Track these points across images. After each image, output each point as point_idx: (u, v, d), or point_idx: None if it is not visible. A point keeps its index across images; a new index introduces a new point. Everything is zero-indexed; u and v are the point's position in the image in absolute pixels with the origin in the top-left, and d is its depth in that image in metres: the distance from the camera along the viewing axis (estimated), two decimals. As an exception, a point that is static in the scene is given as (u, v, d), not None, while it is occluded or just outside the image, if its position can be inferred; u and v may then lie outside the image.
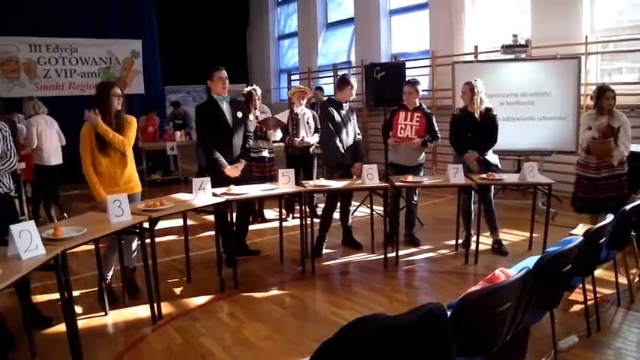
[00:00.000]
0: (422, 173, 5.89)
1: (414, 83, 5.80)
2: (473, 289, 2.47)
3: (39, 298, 4.49)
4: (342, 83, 5.72)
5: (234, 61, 12.95)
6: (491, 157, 5.68)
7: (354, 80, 5.71)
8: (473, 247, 5.33)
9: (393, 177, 5.49)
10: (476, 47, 8.74)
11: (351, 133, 5.68)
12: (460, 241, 5.64)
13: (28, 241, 2.96)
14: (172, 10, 12.87)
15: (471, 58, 8.79)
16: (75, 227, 3.52)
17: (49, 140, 7.31)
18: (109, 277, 4.55)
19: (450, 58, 8.86)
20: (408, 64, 8.21)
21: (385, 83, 7.10)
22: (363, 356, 1.61)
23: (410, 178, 5.29)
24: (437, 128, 5.77)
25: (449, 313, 1.94)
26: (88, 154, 4.32)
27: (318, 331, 3.82)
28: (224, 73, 5.21)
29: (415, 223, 6.12)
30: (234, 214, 4.82)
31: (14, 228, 2.93)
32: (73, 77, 11.73)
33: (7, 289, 2.73)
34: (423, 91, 6.09)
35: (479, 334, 2.08)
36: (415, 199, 6.03)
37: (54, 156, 7.38)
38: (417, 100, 5.76)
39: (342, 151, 5.53)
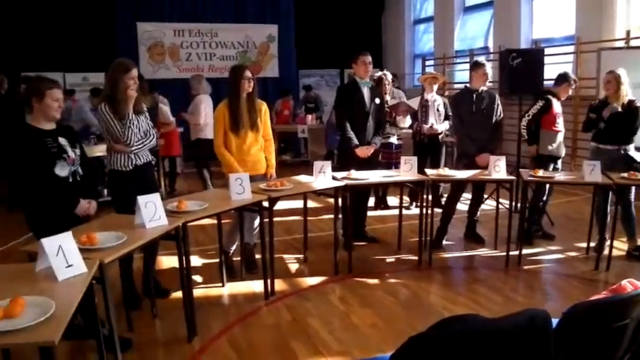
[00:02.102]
0: (560, 166, 5.60)
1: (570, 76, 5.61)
2: (594, 297, 2.26)
3: (162, 268, 4.83)
4: (472, 69, 5.52)
5: (369, 46, 12.87)
6: (635, 153, 5.18)
7: (488, 66, 5.47)
8: (606, 251, 4.90)
9: (524, 171, 5.20)
10: (628, 32, 7.96)
11: (487, 122, 5.44)
12: (592, 245, 5.20)
13: (153, 211, 3.18)
14: (309, -5, 13.12)
15: (621, 44, 8.03)
16: (198, 202, 3.73)
17: (210, 116, 7.68)
18: (231, 251, 4.78)
19: (596, 44, 8.16)
20: (547, 51, 7.68)
21: (521, 70, 6.69)
22: (451, 357, 1.53)
23: (540, 172, 4.99)
24: None
25: (556, 321, 1.78)
26: (220, 134, 4.55)
27: (427, 325, 3.63)
28: (368, 58, 5.36)
29: (543, 216, 5.78)
30: (354, 199, 4.86)
31: (141, 199, 3.16)
32: (212, 60, 12.38)
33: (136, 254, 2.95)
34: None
35: (588, 350, 1.88)
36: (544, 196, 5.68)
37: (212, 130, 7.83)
38: None
39: (469, 141, 5.35)
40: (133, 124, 3.89)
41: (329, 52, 13.14)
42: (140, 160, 4.01)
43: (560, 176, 5.16)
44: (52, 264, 2.36)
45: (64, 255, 2.39)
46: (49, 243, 2.39)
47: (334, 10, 13.31)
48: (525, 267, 4.95)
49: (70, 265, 2.40)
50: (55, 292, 2.24)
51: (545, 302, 4.24)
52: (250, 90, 4.54)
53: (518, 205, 5.53)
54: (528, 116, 5.57)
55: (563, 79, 5.57)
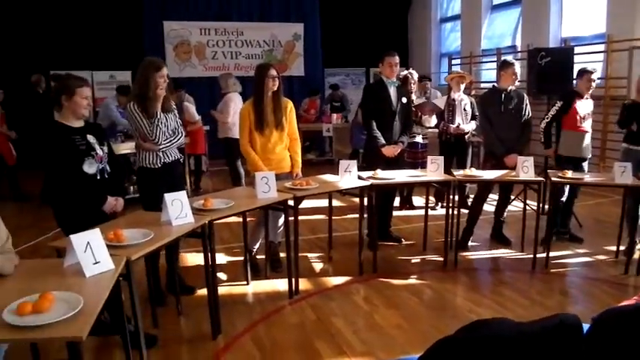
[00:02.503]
0: (586, 168, 5.47)
1: (593, 71, 5.44)
2: (625, 303, 2.20)
3: (186, 265, 4.86)
4: (501, 68, 5.44)
5: (395, 44, 12.82)
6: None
7: (517, 65, 5.39)
8: (636, 255, 4.80)
9: (552, 171, 5.11)
10: (662, 31, 7.80)
11: (515, 122, 5.36)
12: (622, 248, 5.09)
13: (179, 209, 3.20)
14: (335, -7, 13.10)
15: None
16: (224, 200, 3.75)
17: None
18: (254, 249, 4.79)
19: (628, 42, 7.99)
20: (577, 50, 7.54)
21: (550, 70, 6.59)
22: (479, 361, 1.50)
23: (569, 173, 4.90)
24: None
25: (585, 327, 1.73)
26: (245, 132, 4.56)
27: (451, 327, 3.65)
28: (394, 60, 5.32)
29: (570, 217, 5.68)
30: (380, 199, 4.84)
31: (168, 197, 3.18)
32: (238, 59, 12.44)
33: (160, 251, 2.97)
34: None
35: (619, 358, 1.82)
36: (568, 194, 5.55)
37: None
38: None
39: (497, 141, 5.28)
40: (162, 122, 3.93)
41: (355, 51, 13.11)
42: (168, 157, 4.04)
43: (589, 178, 5.07)
44: (80, 260, 2.38)
45: (92, 251, 2.42)
46: (78, 239, 2.42)
47: (360, 9, 13.27)
48: (552, 270, 4.87)
49: (97, 262, 2.42)
50: (82, 288, 2.26)
51: (572, 306, 4.16)
52: (275, 89, 4.53)
53: (546, 206, 5.44)
54: (547, 118, 5.49)
55: (579, 73, 5.47)
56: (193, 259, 5.04)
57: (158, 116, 3.90)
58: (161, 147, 3.94)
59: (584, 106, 5.39)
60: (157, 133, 3.89)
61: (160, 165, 4.00)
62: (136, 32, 11.60)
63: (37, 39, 10.97)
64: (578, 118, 5.35)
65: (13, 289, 2.24)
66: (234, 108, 7.66)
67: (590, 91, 5.41)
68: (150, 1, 11.70)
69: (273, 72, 4.52)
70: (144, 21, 11.72)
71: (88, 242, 2.43)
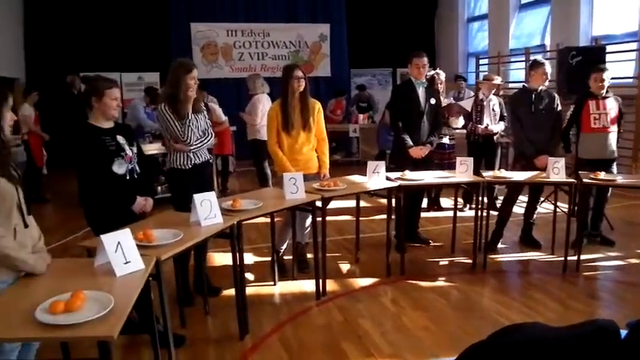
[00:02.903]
0: (615, 169, 5.33)
1: (605, 69, 5.31)
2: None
3: (213, 266, 4.87)
4: (532, 68, 5.36)
5: (422, 45, 12.71)
6: None
7: (547, 64, 5.29)
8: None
9: (583, 173, 5.01)
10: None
11: (546, 123, 5.26)
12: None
13: (209, 209, 3.21)
14: (361, -6, 13.07)
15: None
16: (252, 200, 3.76)
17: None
18: (282, 250, 4.79)
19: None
20: (609, 48, 7.39)
21: (581, 69, 6.46)
22: (514, 367, 1.47)
23: (602, 175, 4.80)
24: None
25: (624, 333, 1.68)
26: (273, 133, 4.57)
27: (480, 330, 3.65)
28: (422, 61, 5.23)
29: (602, 220, 5.56)
30: (407, 200, 4.80)
31: (197, 197, 3.20)
32: (264, 60, 12.45)
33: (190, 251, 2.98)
34: (626, 78, 5.45)
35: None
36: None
37: None
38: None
39: (527, 142, 5.20)
40: (192, 123, 3.96)
41: (381, 51, 13.04)
42: (199, 158, 4.07)
43: (621, 179, 4.95)
44: (111, 260, 2.40)
45: (122, 251, 2.44)
46: (109, 239, 2.44)
47: (386, 9, 13.21)
48: (584, 273, 4.77)
49: (128, 262, 2.44)
50: (113, 287, 2.28)
51: (604, 310, 4.08)
52: (301, 89, 4.53)
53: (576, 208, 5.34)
54: (565, 122, 5.39)
55: (589, 73, 5.34)
56: (219, 259, 5.06)
57: (189, 117, 3.93)
58: (192, 148, 3.97)
59: (601, 106, 5.22)
60: (189, 134, 3.92)
61: (190, 166, 4.03)
62: (163, 34, 11.73)
63: (68, 41, 11.16)
64: (591, 119, 5.21)
65: (45, 288, 2.27)
66: (262, 110, 7.67)
67: (604, 91, 5.23)
68: (177, 3, 11.81)
69: (299, 73, 4.52)
70: (171, 23, 11.83)
71: (119, 242, 2.45)
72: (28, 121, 7.95)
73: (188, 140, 3.94)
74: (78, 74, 8.82)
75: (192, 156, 4.03)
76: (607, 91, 5.25)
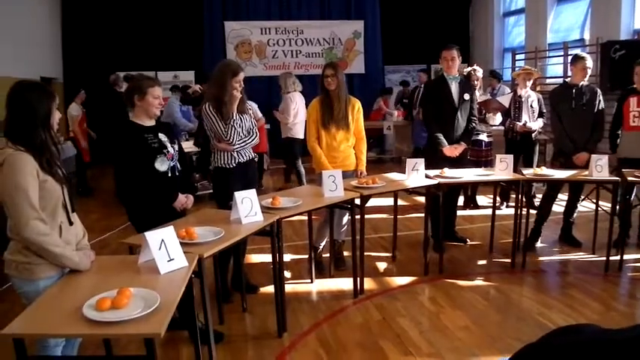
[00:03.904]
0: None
1: None
2: None
3: (249, 263, 4.90)
4: (572, 63, 5.23)
5: (456, 40, 12.46)
6: None
7: (588, 59, 5.16)
8: None
9: (627, 171, 4.87)
10: None
11: (587, 119, 5.14)
12: None
13: (249, 207, 3.23)
14: (395, -10, 12.97)
15: None
16: (291, 198, 3.77)
17: (301, 115, 7.75)
18: (321, 247, 4.79)
19: None
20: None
21: (624, 63, 6.28)
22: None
23: (647, 172, 4.67)
24: None
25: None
26: (313, 129, 4.58)
27: (520, 330, 3.59)
28: (450, 54, 5.13)
29: None
30: (445, 198, 4.75)
31: (238, 195, 3.21)
32: (298, 57, 12.49)
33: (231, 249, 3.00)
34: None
35: None
36: None
37: (302, 129, 7.83)
38: None
39: (567, 139, 5.09)
40: (237, 123, 3.99)
41: (415, 47, 12.95)
42: (243, 157, 4.10)
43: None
44: (155, 257, 2.43)
45: (166, 249, 2.46)
46: (153, 237, 2.47)
47: (420, 4, 13.11)
48: (627, 274, 4.66)
49: (171, 259, 2.46)
50: (157, 284, 2.30)
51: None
52: (331, 88, 4.51)
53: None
54: (612, 121, 5.24)
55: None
56: (256, 257, 5.09)
57: (233, 117, 3.96)
58: (235, 147, 4.00)
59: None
60: (232, 134, 3.95)
61: (234, 165, 4.06)
62: (198, 33, 11.86)
63: (104, 41, 11.42)
64: (630, 116, 5.06)
65: (90, 285, 2.31)
66: (295, 108, 7.68)
67: None
68: (210, 2, 11.91)
69: (327, 71, 4.54)
70: (204, 22, 11.94)
71: (163, 240, 2.47)
72: (75, 121, 8.27)
73: (231, 140, 3.97)
74: (119, 73, 8.98)
75: (236, 155, 4.05)
76: None
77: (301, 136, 7.79)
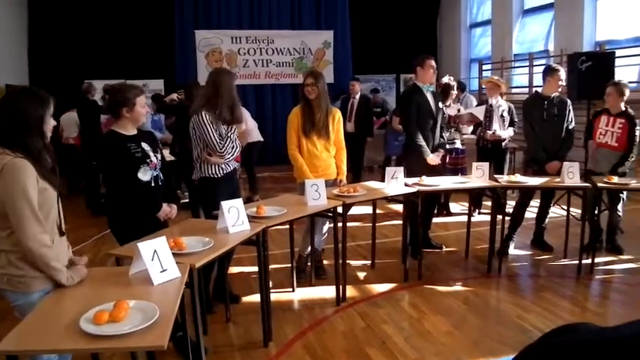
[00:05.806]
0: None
1: (617, 84, 5.25)
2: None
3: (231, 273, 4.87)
4: (547, 74, 5.36)
5: (424, 50, 12.64)
6: None
7: (562, 71, 5.33)
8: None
9: (596, 177, 5.03)
10: None
11: (558, 129, 5.29)
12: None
13: (236, 216, 3.23)
14: (364, 0, 13.11)
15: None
16: (276, 207, 3.78)
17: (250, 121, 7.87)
18: (306, 254, 4.80)
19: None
20: (617, 53, 7.44)
21: (590, 75, 6.52)
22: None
23: (615, 179, 4.83)
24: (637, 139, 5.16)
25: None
26: (294, 137, 4.59)
27: (501, 333, 3.68)
28: (434, 63, 5.21)
29: (617, 232, 5.55)
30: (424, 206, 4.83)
31: (225, 204, 3.21)
32: (269, 67, 12.44)
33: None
34: (633, 82, 5.47)
35: None
36: (620, 208, 5.39)
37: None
38: (621, 105, 5.20)
39: (540, 148, 5.25)
40: (233, 134, 4.01)
41: (384, 58, 13.10)
42: (229, 167, 4.10)
43: (635, 183, 4.98)
44: (148, 268, 2.41)
45: (159, 260, 2.45)
46: (145, 247, 2.45)
47: (389, 15, 13.29)
48: (598, 276, 4.83)
49: (164, 270, 2.45)
50: (151, 295, 2.28)
51: (621, 311, 4.12)
52: (311, 97, 4.54)
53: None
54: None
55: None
56: (235, 267, 5.04)
57: (232, 130, 3.99)
58: (228, 159, 4.00)
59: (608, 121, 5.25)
60: (227, 147, 3.96)
61: (222, 174, 4.05)
62: (168, 41, 11.76)
63: (72, 48, 11.25)
64: (598, 133, 5.30)
65: (84, 298, 2.27)
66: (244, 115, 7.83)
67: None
68: (181, 11, 11.84)
69: (308, 80, 4.58)
70: (175, 30, 11.86)
71: (155, 250, 2.46)
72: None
73: (225, 152, 3.96)
74: (80, 82, 8.82)
75: (224, 165, 4.05)
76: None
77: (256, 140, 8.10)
